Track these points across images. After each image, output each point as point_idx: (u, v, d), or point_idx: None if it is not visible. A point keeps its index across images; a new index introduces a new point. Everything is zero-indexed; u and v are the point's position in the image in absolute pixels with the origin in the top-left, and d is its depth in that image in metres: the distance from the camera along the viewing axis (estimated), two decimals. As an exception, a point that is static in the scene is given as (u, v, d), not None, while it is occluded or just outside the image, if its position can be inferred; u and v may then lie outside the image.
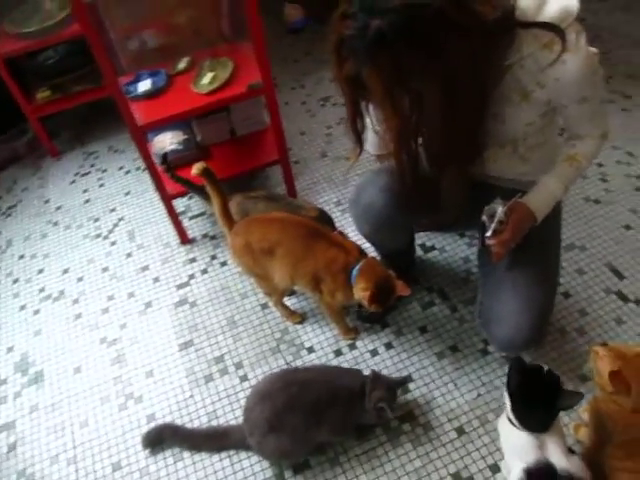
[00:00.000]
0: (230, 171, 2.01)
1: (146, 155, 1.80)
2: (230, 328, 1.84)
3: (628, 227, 1.97)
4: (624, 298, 1.77)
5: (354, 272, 1.51)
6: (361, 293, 1.48)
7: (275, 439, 1.43)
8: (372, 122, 1.35)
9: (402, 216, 1.50)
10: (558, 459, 1.19)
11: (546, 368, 1.19)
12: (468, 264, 1.91)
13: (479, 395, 1.60)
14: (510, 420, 1.24)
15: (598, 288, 1.81)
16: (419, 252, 1.96)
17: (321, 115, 2.59)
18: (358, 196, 1.53)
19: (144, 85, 1.86)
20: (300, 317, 1.82)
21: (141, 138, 1.76)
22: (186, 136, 2.10)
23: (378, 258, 1.82)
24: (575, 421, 1.49)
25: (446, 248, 1.97)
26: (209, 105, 1.80)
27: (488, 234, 1.29)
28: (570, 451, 1.24)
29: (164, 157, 1.89)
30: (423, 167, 1.34)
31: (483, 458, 1.49)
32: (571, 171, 1.35)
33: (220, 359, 1.77)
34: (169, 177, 1.89)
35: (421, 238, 2.00)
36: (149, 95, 1.83)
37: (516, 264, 1.43)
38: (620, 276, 1.83)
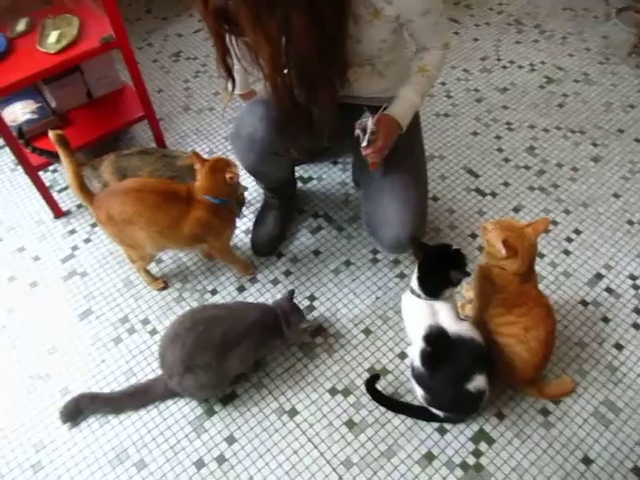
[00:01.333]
0: (93, 134, 1.94)
1: (2, 128, 1.68)
2: (128, 289, 1.82)
3: (475, 133, 2.22)
4: (482, 193, 2.02)
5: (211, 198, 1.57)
6: (230, 181, 1.55)
7: (192, 377, 1.47)
8: (237, 59, 1.39)
9: (283, 141, 1.56)
10: (448, 324, 1.38)
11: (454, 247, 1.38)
12: (345, 187, 2.05)
13: (377, 298, 1.76)
14: (412, 290, 1.41)
15: (460, 189, 2.04)
16: (299, 184, 2.06)
17: (176, 70, 2.54)
18: (238, 128, 1.56)
19: (-18, 51, 1.72)
20: (164, 283, 1.82)
21: (-8, 107, 1.64)
22: (39, 104, 1.97)
23: (264, 194, 1.90)
24: (461, 301, 1.71)
25: (323, 176, 2.09)
26: (61, 64, 1.70)
27: (364, 144, 1.41)
28: (461, 319, 1.43)
29: (19, 130, 1.77)
30: (296, 92, 1.42)
31: (390, 350, 1.65)
32: (424, 80, 1.50)
33: (125, 319, 1.75)
34: (29, 150, 1.79)
35: (298, 171, 2.09)
36: (-9, 61, 1.70)
37: (391, 171, 1.57)
38: (475, 175, 2.07)
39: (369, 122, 1.39)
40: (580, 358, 1.62)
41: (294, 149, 1.64)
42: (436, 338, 1.37)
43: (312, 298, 1.77)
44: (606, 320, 1.69)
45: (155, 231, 1.57)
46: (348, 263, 1.85)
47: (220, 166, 1.56)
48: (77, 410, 1.55)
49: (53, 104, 2.00)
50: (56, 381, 1.63)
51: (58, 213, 2.00)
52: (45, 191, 1.92)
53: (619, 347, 1.64)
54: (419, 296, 1.40)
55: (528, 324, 1.39)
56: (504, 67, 2.48)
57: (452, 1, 2.81)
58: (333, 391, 1.58)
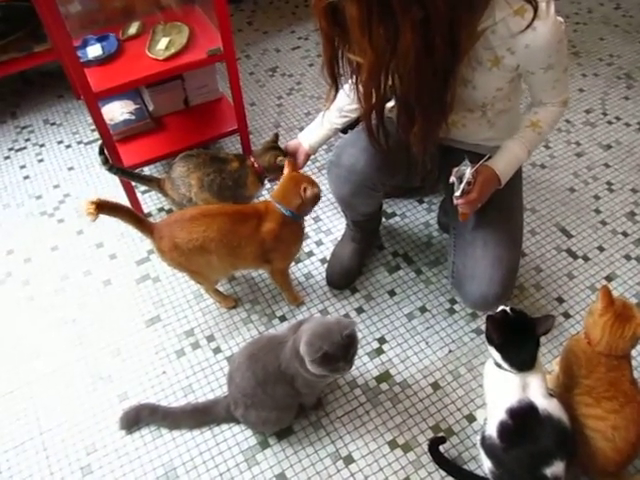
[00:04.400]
0: (185, 142, 1.94)
1: (101, 124, 1.70)
2: (198, 302, 1.80)
3: (572, 190, 2.10)
4: (573, 255, 1.90)
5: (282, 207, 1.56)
6: (303, 194, 1.54)
7: (256, 412, 1.43)
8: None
9: (381, 176, 1.52)
10: (539, 400, 1.27)
11: (509, 308, 1.31)
12: (429, 228, 1.97)
13: (450, 351, 1.67)
14: (498, 364, 1.32)
15: (550, 247, 1.93)
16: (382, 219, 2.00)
17: (270, 85, 2.55)
18: (339, 157, 1.52)
19: (94, 50, 1.75)
20: (234, 301, 1.79)
21: (96, 106, 1.66)
22: (137, 105, 2.00)
23: (346, 225, 1.85)
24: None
25: (406, 214, 2.02)
26: (167, 71, 1.72)
27: (457, 194, 1.34)
28: (550, 395, 1.33)
29: (101, 147, 1.73)
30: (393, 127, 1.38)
31: (459, 410, 1.56)
32: (534, 136, 1.42)
33: (190, 333, 1.73)
34: (106, 169, 1.74)
35: (383, 205, 2.03)
36: (101, 61, 1.73)
37: (486, 225, 1.49)
38: (568, 235, 1.96)
39: (467, 171, 1.32)
40: (666, 454, 1.48)
41: (390, 185, 1.58)
42: (523, 413, 1.27)
43: (382, 340, 1.70)
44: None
45: (225, 253, 1.55)
46: (423, 309, 1.77)
47: (300, 178, 1.56)
48: (136, 419, 1.54)
49: (150, 107, 2.02)
50: (116, 385, 1.63)
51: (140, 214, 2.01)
52: (130, 190, 1.94)
53: None
54: (509, 371, 1.31)
55: (618, 423, 1.27)
56: (609, 122, 2.35)
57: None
58: (393, 444, 1.50)
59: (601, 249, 1.91)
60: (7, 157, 2.29)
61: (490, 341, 1.33)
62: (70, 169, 2.22)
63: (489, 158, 1.40)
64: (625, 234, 1.96)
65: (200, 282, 1.72)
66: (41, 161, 2.26)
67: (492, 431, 1.31)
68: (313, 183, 1.56)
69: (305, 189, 1.53)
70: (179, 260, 1.58)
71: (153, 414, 1.54)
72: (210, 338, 1.72)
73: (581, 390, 1.34)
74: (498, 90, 1.35)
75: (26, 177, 2.21)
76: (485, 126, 1.47)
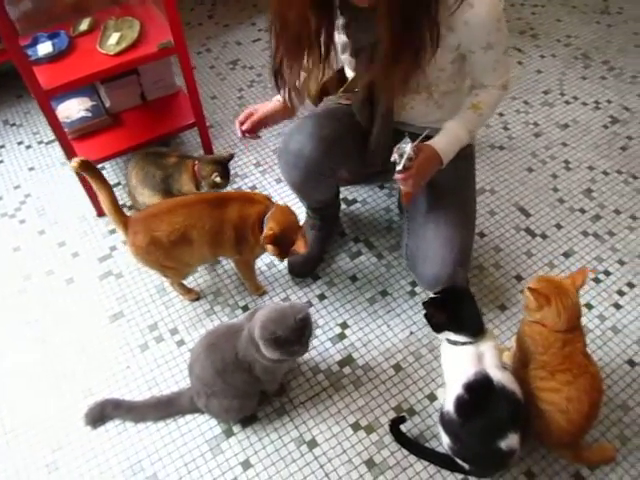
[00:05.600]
0: (143, 137, 1.95)
1: (54, 123, 1.70)
2: (160, 296, 1.81)
3: (530, 169, 2.13)
4: (532, 233, 1.93)
5: (266, 218, 1.53)
6: (265, 232, 1.50)
7: (218, 401, 1.45)
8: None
9: (330, 161, 1.52)
10: (493, 371, 1.30)
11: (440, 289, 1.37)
12: (389, 213, 1.99)
13: (411, 333, 1.70)
14: (452, 342, 1.34)
15: (509, 226, 1.95)
16: (342, 206, 2.01)
17: (232, 78, 2.54)
18: (287, 143, 1.53)
19: (45, 47, 1.74)
20: (197, 294, 1.80)
21: (48, 104, 1.65)
22: (94, 102, 1.99)
23: (306, 213, 1.86)
24: (500, 346, 1.62)
25: (368, 200, 2.04)
26: (119, 66, 1.72)
27: (398, 168, 1.34)
28: (504, 367, 1.36)
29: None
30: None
31: (420, 389, 1.58)
32: (474, 117, 1.44)
33: (154, 327, 1.74)
34: None
35: (343, 193, 2.05)
36: (51, 58, 1.72)
37: (438, 207, 1.51)
38: (527, 214, 1.99)
39: (408, 147, 1.33)
40: (622, 422, 1.51)
41: (340, 170, 1.60)
42: (478, 385, 1.30)
43: (344, 326, 1.72)
44: (654, 385, 1.59)
45: (207, 241, 1.55)
46: (385, 293, 1.79)
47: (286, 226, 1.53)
48: (101, 415, 1.54)
49: (107, 104, 2.02)
50: (80, 381, 1.63)
51: (100, 212, 2.00)
52: (90, 189, 1.93)
53: (666, 415, 1.53)
54: (463, 343, 1.33)
55: (571, 394, 1.29)
56: (567, 102, 2.38)
57: (518, 29, 2.72)
58: (356, 426, 1.52)
59: (559, 227, 1.95)
60: (-35, 159, 2.27)
61: (437, 327, 1.36)
62: (31, 169, 2.21)
63: (429, 138, 1.41)
64: (582, 211, 1.99)
65: (168, 276, 1.72)
66: (1, 162, 2.24)
67: (450, 407, 1.34)
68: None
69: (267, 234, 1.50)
70: (155, 255, 1.57)
71: (117, 409, 1.55)
72: (174, 331, 1.73)
73: (536, 365, 1.36)
74: (441, 70, 1.37)
75: (-15, 179, 2.20)
76: (433, 107, 1.49)
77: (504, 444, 1.27)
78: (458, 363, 1.34)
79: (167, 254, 1.56)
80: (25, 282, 1.87)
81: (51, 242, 1.97)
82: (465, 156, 1.61)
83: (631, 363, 1.62)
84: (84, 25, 1.83)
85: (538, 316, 1.32)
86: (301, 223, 1.60)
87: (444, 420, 1.36)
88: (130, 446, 1.51)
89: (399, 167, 1.32)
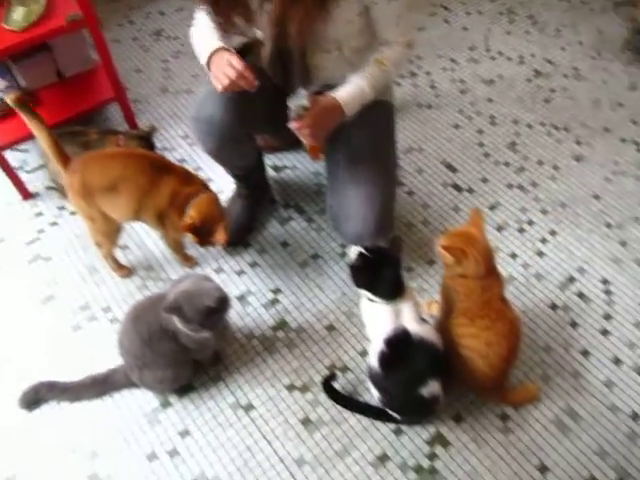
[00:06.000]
0: (63, 115, 1.89)
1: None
2: (92, 275, 1.79)
3: (457, 126, 2.17)
4: (458, 188, 1.97)
5: (189, 204, 1.52)
6: (185, 219, 1.50)
7: (151, 372, 1.46)
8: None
9: (243, 125, 1.51)
10: (412, 325, 1.34)
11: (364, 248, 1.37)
12: (319, 177, 2.00)
13: (343, 294, 1.73)
14: (369, 299, 1.37)
15: (436, 183, 1.99)
16: (272, 172, 2.02)
17: (156, 50, 2.48)
18: (198, 111, 1.50)
19: (-56, 26, 1.67)
20: (129, 270, 1.79)
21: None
22: (8, 83, 1.92)
23: (233, 187, 1.85)
24: (428, 299, 1.67)
25: (297, 165, 2.04)
26: (26, 42, 1.65)
27: (291, 117, 1.36)
28: (423, 320, 1.40)
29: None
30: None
31: (353, 347, 1.62)
32: (379, 73, 1.44)
33: (86, 307, 1.72)
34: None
35: (271, 159, 2.05)
36: (-48, 37, 1.65)
37: (357, 164, 1.52)
38: (453, 170, 2.03)
39: (304, 99, 1.34)
40: (545, 363, 1.59)
41: (258, 135, 1.59)
42: (397, 340, 1.34)
43: (277, 291, 1.74)
44: (574, 325, 1.66)
45: (134, 199, 1.52)
46: (316, 256, 1.81)
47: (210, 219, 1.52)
48: (36, 398, 1.53)
49: (22, 83, 1.95)
50: (15, 366, 1.61)
51: (26, 195, 1.96)
52: (11, 172, 1.88)
53: (585, 353, 1.60)
54: (386, 302, 1.36)
55: (490, 339, 1.34)
56: (492, 58, 2.41)
57: (444, -13, 2.73)
58: (291, 387, 1.55)
59: (485, 180, 1.99)
60: None
61: (357, 285, 1.39)
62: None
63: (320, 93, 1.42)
64: (507, 164, 2.04)
65: (99, 242, 1.69)
66: None
67: (374, 361, 1.38)
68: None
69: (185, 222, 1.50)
70: (83, 200, 1.54)
71: (52, 390, 1.54)
72: (107, 309, 1.72)
73: (457, 313, 1.41)
74: (349, 23, 1.37)
75: None
76: (346, 66, 1.48)
77: (426, 391, 1.32)
78: (377, 320, 1.38)
79: (92, 200, 1.53)
80: (-50, 271, 1.82)
81: (-25, 229, 1.92)
82: (384, 113, 1.63)
83: (553, 307, 1.69)
84: (-13, 1, 1.75)
85: (459, 270, 1.36)
86: (225, 215, 1.59)
87: (371, 374, 1.41)
88: (68, 426, 1.51)
89: (292, 115, 1.33)
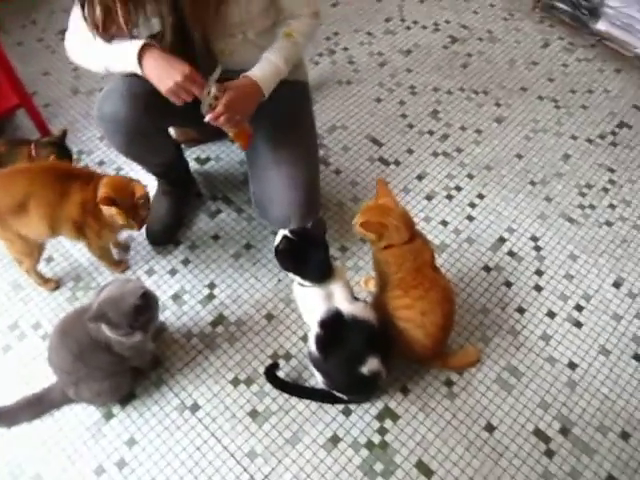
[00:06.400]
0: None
1: None
2: (16, 292, 1.71)
3: (379, 100, 2.16)
4: (385, 162, 1.97)
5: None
6: (99, 197, 1.42)
7: (86, 386, 1.41)
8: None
9: (151, 120, 1.45)
10: (344, 305, 1.34)
11: (289, 231, 1.35)
12: (244, 166, 1.95)
13: (279, 280, 1.71)
14: (300, 284, 1.36)
15: (363, 159, 1.99)
16: (196, 166, 1.97)
17: (62, 50, 2.28)
18: (100, 110, 1.43)
19: None
20: (56, 283, 1.72)
21: None
22: None
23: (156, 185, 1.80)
24: (365, 276, 1.68)
25: (221, 156, 2.00)
26: None
27: (203, 110, 1.31)
28: (355, 299, 1.40)
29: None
30: None
31: (294, 333, 1.61)
32: (289, 46, 1.41)
33: (14, 326, 1.65)
34: None
35: (195, 152, 2.00)
36: None
37: (276, 147, 1.50)
38: (379, 144, 2.02)
39: (213, 86, 1.29)
40: (483, 325, 1.62)
41: (169, 126, 1.53)
42: (331, 321, 1.33)
43: (212, 286, 1.70)
44: (509, 284, 1.69)
45: (45, 213, 1.44)
46: (249, 246, 1.78)
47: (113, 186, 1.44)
48: (-31, 426, 1.47)
49: None
50: (-59, 398, 1.53)
51: None
52: None
53: (521, 311, 1.64)
54: (316, 285, 1.35)
55: (424, 308, 1.36)
56: (408, 28, 2.41)
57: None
58: (235, 381, 1.53)
59: (410, 151, 2.00)
60: None
61: (285, 269, 1.37)
62: None
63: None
64: (431, 132, 2.05)
65: (20, 259, 1.62)
66: None
67: (312, 345, 1.37)
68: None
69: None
70: None
71: (-16, 417, 1.48)
72: (36, 326, 1.65)
73: (392, 286, 1.41)
74: (248, 3, 1.33)
75: None
76: (253, 50, 1.44)
77: (365, 369, 1.33)
78: (310, 303, 1.37)
79: (7, 222, 1.46)
80: None
81: None
82: (298, 92, 1.61)
83: (486, 269, 1.72)
84: None
85: (384, 242, 1.36)
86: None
87: (312, 358, 1.40)
88: (7, 452, 1.44)
89: (204, 108, 1.29)
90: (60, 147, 1.74)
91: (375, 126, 2.07)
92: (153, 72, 1.28)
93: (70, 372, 1.39)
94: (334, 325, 1.33)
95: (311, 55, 2.30)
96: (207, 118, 1.31)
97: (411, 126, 2.07)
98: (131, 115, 1.41)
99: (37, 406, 1.49)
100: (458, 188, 1.90)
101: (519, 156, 1.98)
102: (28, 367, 1.57)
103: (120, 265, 1.73)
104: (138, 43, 1.28)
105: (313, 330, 1.37)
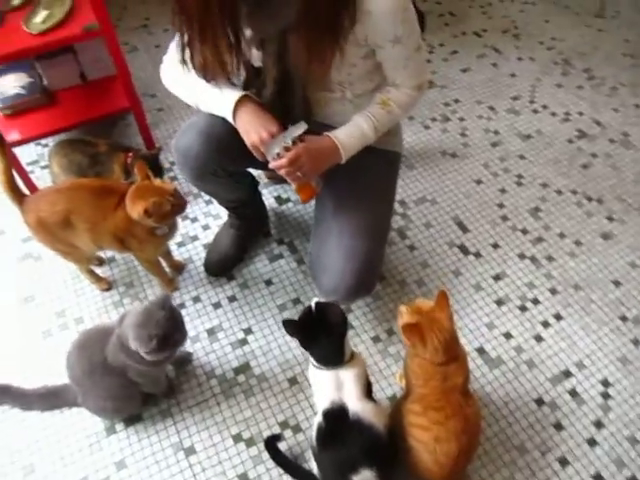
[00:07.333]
0: (76, 118, 1.90)
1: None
2: (74, 283, 1.78)
3: (479, 182, 2.02)
4: (465, 251, 1.83)
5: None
6: (135, 213, 1.43)
7: (93, 399, 1.43)
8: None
9: (221, 161, 1.45)
10: (352, 402, 1.24)
11: (315, 302, 1.26)
12: (320, 217, 1.92)
13: (315, 346, 1.63)
14: (313, 364, 1.28)
15: (442, 241, 1.86)
16: (274, 204, 1.95)
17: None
18: (177, 140, 1.45)
19: (-30, 21, 1.70)
20: (108, 284, 1.77)
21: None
22: (31, 79, 1.95)
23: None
24: (401, 369, 1.55)
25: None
26: (40, 47, 1.66)
27: (270, 157, 1.27)
28: (371, 399, 1.29)
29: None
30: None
31: (311, 406, 1.53)
32: (383, 114, 1.35)
33: (61, 314, 1.72)
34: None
35: (277, 190, 1.98)
36: (-25, 32, 1.68)
37: (344, 213, 1.43)
38: (465, 229, 1.88)
39: (288, 137, 1.25)
40: (515, 465, 1.43)
41: (244, 168, 1.52)
42: (334, 415, 1.24)
43: (248, 331, 1.66)
44: (559, 427, 1.49)
45: (87, 229, 1.51)
46: (297, 301, 1.72)
47: (143, 191, 1.45)
48: (-12, 399, 1.54)
49: (45, 81, 1.97)
50: (-23, 361, 1.63)
51: (33, 190, 1.96)
52: (19, 167, 1.90)
53: (564, 463, 1.43)
54: (322, 367, 1.27)
55: (440, 435, 1.22)
56: (535, 111, 2.24)
57: (501, 28, 2.57)
58: (237, 438, 1.48)
59: (495, 246, 1.84)
60: None
61: (292, 336, 1.31)
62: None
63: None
64: (524, 231, 1.88)
65: (71, 261, 1.70)
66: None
67: (313, 431, 1.29)
68: (160, 196, 1.44)
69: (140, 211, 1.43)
70: (45, 236, 1.55)
71: (5, 394, 1.53)
72: (79, 320, 1.71)
73: (414, 397, 1.29)
74: (352, 66, 1.29)
75: None
76: (348, 107, 1.39)
77: (357, 479, 1.21)
78: (318, 385, 1.29)
79: (54, 237, 1.54)
80: (-52, 255, 1.87)
81: (-22, 217, 1.96)
82: (385, 161, 1.53)
83: (539, 402, 1.53)
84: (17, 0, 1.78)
85: (417, 351, 1.25)
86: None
87: (310, 443, 1.31)
88: (11, 434, 1.50)
89: (269, 155, 1.26)
90: (153, 162, 1.80)
91: (466, 209, 1.94)
92: (243, 124, 1.29)
93: (78, 383, 1.42)
94: (336, 420, 1.23)
95: (423, 118, 2.21)
96: (270, 165, 1.29)
97: (505, 219, 1.91)
98: (202, 153, 1.41)
99: (52, 399, 1.54)
100: (535, 301, 1.72)
101: (617, 283, 1.75)
102: (58, 358, 1.60)
103: (171, 284, 1.75)
104: (236, 95, 1.29)
105: (318, 416, 1.28)
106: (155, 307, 1.30)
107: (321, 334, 1.24)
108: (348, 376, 1.25)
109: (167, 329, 1.28)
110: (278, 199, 1.97)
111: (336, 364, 1.25)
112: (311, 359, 1.29)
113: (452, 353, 1.24)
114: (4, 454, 1.47)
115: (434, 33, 2.51)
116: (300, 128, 1.28)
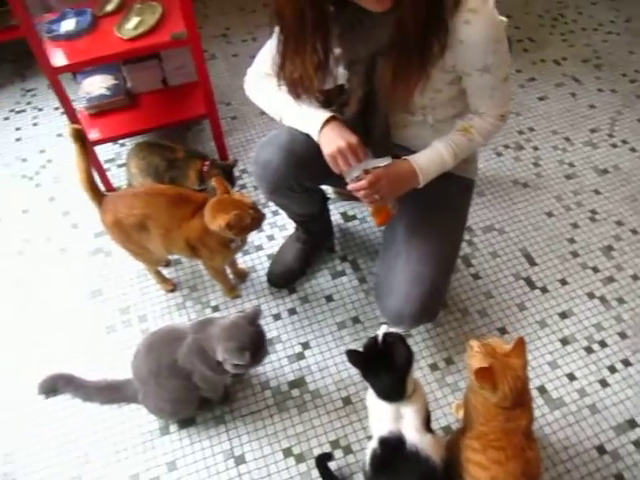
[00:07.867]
0: (156, 121, 1.97)
1: (63, 97, 1.74)
2: (140, 281, 1.83)
3: (550, 214, 1.97)
4: (531, 284, 1.78)
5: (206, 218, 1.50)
6: (216, 226, 1.46)
7: (153, 399, 1.47)
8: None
9: (299, 177, 1.46)
10: (411, 433, 1.21)
11: (382, 333, 1.24)
12: (385, 237, 1.91)
13: (371, 367, 1.62)
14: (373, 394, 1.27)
15: (508, 272, 1.82)
16: (340, 220, 1.95)
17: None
18: (258, 153, 1.48)
19: (67, 25, 1.78)
20: (173, 285, 1.81)
21: (56, 79, 1.70)
22: (116, 81, 2.03)
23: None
24: (458, 400, 1.53)
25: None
26: (130, 52, 1.73)
27: (348, 179, 1.28)
28: (429, 430, 1.26)
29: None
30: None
31: (363, 428, 1.52)
32: (463, 141, 1.33)
33: (125, 310, 1.77)
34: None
35: (344, 207, 1.99)
36: (71, 36, 1.75)
37: (413, 238, 1.42)
38: (532, 262, 1.84)
39: (370, 165, 1.26)
40: (571, 513, 1.38)
41: (319, 185, 1.53)
42: (391, 444, 1.22)
43: (306, 345, 1.67)
44: (620, 479, 1.43)
45: (160, 234, 1.55)
46: (356, 320, 1.72)
47: (225, 205, 1.48)
48: (53, 387, 1.60)
49: (129, 84, 2.05)
50: (43, 350, 1.69)
51: (108, 188, 2.05)
52: (98, 165, 1.98)
53: (623, 516, 1.38)
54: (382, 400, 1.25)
55: (498, 476, 1.17)
56: (614, 145, 2.17)
57: (581, 57, 2.50)
58: (287, 452, 1.48)
59: (564, 282, 1.78)
60: (6, 118, 2.39)
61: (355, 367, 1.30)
62: (59, 135, 2.30)
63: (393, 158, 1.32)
64: (595, 270, 1.81)
65: (141, 261, 1.75)
66: (35, 125, 2.35)
67: (367, 456, 1.27)
68: (241, 209, 1.47)
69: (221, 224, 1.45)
70: (119, 236, 1.61)
71: (68, 384, 1.59)
72: (142, 318, 1.75)
73: (473, 434, 1.26)
74: (437, 92, 1.28)
75: (18, 139, 2.30)
76: (428, 131, 1.39)
77: (409, 511, 1.19)
78: (376, 414, 1.27)
79: (128, 237, 1.59)
80: (24, 244, 1.95)
81: (57, 210, 2.04)
82: (459, 188, 1.51)
83: (601, 450, 1.47)
84: (111, 5, 1.86)
85: (484, 393, 1.21)
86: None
87: (363, 468, 1.30)
88: (71, 422, 1.55)
89: (349, 177, 1.27)
90: (227, 173, 1.85)
91: (535, 242, 1.88)
92: (325, 139, 1.30)
93: (142, 382, 1.45)
94: (393, 449, 1.21)
95: (496, 145, 2.17)
96: (349, 186, 1.29)
97: (575, 255, 1.85)
98: (282, 168, 1.42)
99: (113, 393, 1.58)
100: (603, 344, 1.65)
101: (693, 333, 1.67)
102: (120, 354, 1.67)
103: (234, 291, 1.77)
104: (326, 115, 1.30)
105: (373, 441, 1.26)
106: (245, 321, 1.34)
107: (384, 370, 1.22)
108: (409, 411, 1.23)
109: (259, 344, 1.34)
110: (344, 215, 1.97)
111: (397, 400, 1.23)
112: (373, 392, 1.27)
113: (520, 400, 1.20)
114: (62, 441, 1.52)
115: (512, 58, 2.44)
116: (384, 161, 1.29)
